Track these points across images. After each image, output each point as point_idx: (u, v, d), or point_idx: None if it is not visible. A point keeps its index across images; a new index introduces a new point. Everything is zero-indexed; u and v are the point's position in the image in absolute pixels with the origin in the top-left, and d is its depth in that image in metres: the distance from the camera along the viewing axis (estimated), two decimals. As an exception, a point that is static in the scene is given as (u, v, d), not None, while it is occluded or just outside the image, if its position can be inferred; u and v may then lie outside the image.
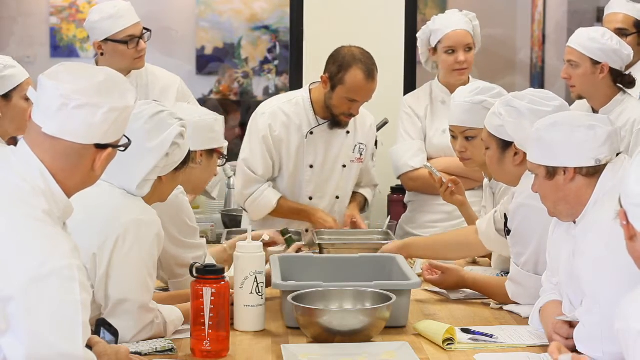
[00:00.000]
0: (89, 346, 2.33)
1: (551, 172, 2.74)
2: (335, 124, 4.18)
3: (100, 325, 2.67)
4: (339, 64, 4.05)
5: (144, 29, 4.25)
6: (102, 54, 4.24)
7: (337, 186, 4.30)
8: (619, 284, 2.49)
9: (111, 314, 2.70)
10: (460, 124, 3.59)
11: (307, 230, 4.24)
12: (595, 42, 4.06)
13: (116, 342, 2.65)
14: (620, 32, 4.35)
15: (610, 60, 4.06)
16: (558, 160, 2.72)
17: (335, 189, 4.30)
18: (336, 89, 4.07)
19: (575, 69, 4.11)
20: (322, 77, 4.11)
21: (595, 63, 4.07)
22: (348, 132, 4.26)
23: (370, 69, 4.04)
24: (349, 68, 4.03)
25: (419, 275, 3.32)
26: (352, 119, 4.20)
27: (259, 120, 4.23)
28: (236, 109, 8.32)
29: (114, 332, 2.66)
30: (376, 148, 4.41)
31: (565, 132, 2.72)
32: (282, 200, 4.23)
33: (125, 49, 4.19)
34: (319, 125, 4.20)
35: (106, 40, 4.20)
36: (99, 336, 2.60)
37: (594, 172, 2.70)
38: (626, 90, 4.14)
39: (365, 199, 4.45)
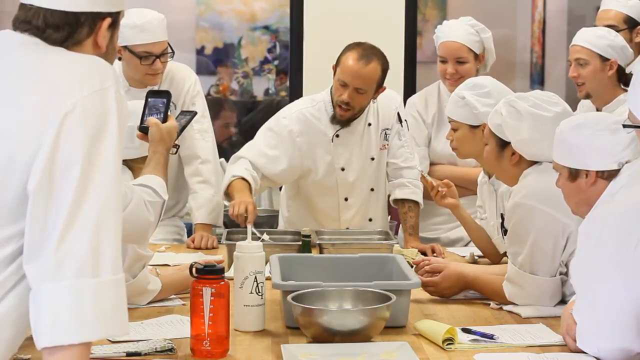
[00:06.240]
0: None
1: (573, 174, 2.76)
2: (334, 119, 4.10)
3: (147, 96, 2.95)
4: (343, 49, 4.03)
5: (170, 47, 4.17)
6: (119, 59, 4.20)
7: (370, 180, 4.23)
8: (603, 282, 2.50)
9: None
10: (447, 113, 3.72)
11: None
12: (603, 39, 4.07)
13: (168, 103, 2.92)
14: (611, 29, 4.33)
15: (618, 57, 4.07)
16: (581, 162, 2.74)
17: (369, 183, 4.24)
18: (336, 73, 4.03)
19: (583, 67, 4.10)
20: (332, 67, 4.08)
21: (604, 60, 4.08)
22: (370, 124, 4.18)
23: (366, 54, 3.96)
24: (347, 51, 4.01)
25: (418, 265, 3.32)
26: (373, 108, 4.13)
27: (280, 122, 4.14)
28: (236, 108, 8.32)
29: (165, 95, 2.94)
30: (401, 126, 4.23)
31: (588, 135, 2.73)
32: (235, 182, 4.01)
33: (138, 63, 4.14)
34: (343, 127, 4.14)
35: (125, 47, 4.14)
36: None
37: (616, 174, 2.70)
38: (628, 90, 4.14)
39: (410, 204, 4.22)
